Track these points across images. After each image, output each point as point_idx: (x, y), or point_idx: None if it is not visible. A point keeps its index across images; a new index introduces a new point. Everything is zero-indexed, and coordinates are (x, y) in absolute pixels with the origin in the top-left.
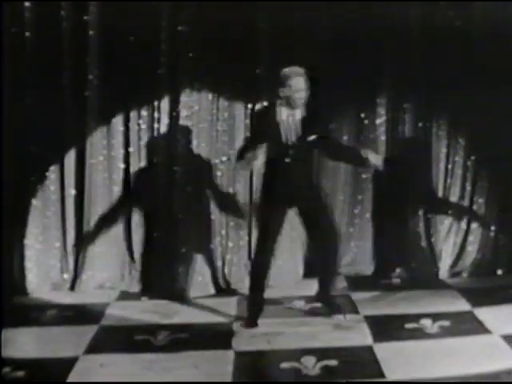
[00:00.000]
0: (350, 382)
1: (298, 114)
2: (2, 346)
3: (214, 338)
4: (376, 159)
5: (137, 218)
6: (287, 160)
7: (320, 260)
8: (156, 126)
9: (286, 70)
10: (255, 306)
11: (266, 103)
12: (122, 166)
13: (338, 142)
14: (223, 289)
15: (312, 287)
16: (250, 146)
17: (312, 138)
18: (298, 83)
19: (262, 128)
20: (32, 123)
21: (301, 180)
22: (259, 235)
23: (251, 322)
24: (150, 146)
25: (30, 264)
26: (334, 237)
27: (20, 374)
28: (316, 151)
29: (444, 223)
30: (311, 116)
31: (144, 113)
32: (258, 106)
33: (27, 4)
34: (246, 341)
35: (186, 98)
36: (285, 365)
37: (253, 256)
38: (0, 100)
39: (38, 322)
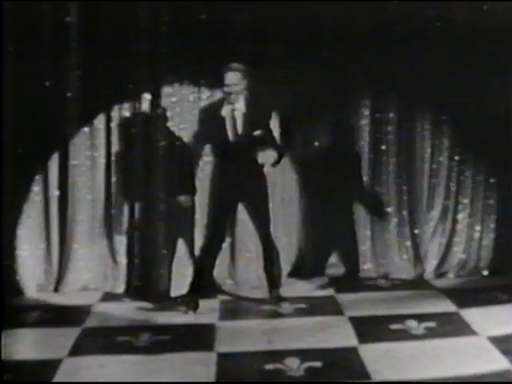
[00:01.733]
0: (335, 382)
1: (241, 109)
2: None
3: (196, 339)
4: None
5: (121, 219)
6: (233, 155)
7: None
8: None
9: (223, 67)
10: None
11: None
12: (103, 166)
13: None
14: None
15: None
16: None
17: (256, 133)
18: (229, 78)
19: (206, 123)
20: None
21: (246, 175)
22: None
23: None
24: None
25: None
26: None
27: (7, 376)
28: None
29: (429, 224)
30: (251, 111)
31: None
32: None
33: None
34: (229, 342)
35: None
36: (269, 366)
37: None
38: (0, 100)
39: (23, 323)
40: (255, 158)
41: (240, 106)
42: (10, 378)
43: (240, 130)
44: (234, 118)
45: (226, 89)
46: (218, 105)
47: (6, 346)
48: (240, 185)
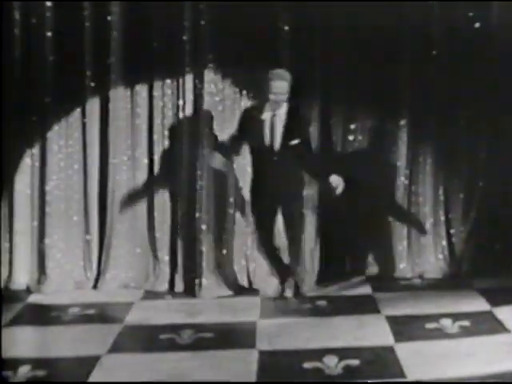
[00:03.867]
0: (372, 382)
1: (282, 116)
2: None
3: (238, 337)
4: (336, 183)
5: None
6: (271, 160)
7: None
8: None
9: (271, 72)
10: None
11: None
12: (146, 161)
13: (311, 152)
14: (246, 288)
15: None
16: (232, 143)
17: (294, 142)
18: (276, 86)
19: (246, 126)
20: None
21: (284, 180)
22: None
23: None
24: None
25: (52, 263)
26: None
27: (41, 373)
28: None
29: (466, 224)
30: (292, 120)
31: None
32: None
33: None
34: (269, 340)
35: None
36: (307, 365)
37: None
38: (0, 100)
39: (60, 320)
40: (290, 165)
41: (281, 112)
42: (45, 374)
43: (278, 136)
44: (273, 124)
45: (272, 96)
46: (260, 108)
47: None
48: (274, 188)
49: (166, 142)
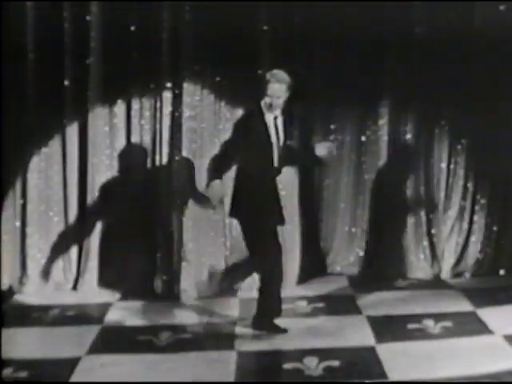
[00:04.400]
0: (352, 382)
1: (280, 117)
2: (2, 346)
3: (216, 338)
4: (320, 149)
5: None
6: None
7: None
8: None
9: (270, 73)
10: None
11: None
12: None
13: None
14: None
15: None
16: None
17: (289, 142)
18: (274, 89)
19: (251, 131)
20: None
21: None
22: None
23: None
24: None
25: (32, 263)
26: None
27: (22, 374)
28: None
29: (447, 223)
30: (288, 121)
31: (146, 112)
32: (242, 111)
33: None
34: (248, 341)
35: (189, 98)
36: (287, 365)
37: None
38: (0, 100)
39: (41, 321)
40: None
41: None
42: (26, 377)
43: (281, 138)
44: (276, 127)
45: (267, 99)
46: (260, 113)
47: (20, 345)
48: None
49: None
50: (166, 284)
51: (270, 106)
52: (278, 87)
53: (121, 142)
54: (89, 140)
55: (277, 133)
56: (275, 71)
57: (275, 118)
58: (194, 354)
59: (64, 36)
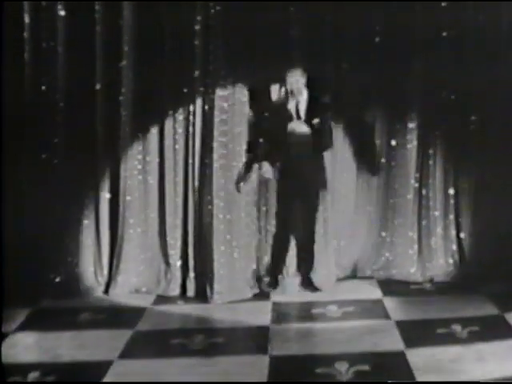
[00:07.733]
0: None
1: (302, 103)
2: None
3: (249, 342)
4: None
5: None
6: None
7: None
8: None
9: (288, 70)
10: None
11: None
12: (157, 169)
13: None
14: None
15: (345, 291)
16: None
17: (316, 121)
18: (293, 76)
19: (276, 118)
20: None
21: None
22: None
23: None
24: None
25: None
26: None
27: (50, 378)
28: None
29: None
30: (314, 104)
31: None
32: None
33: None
34: (281, 345)
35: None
36: (319, 370)
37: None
38: (0, 100)
39: (72, 325)
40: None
41: (302, 99)
42: (56, 379)
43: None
44: (298, 112)
45: (288, 86)
46: (284, 100)
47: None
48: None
49: None
50: (199, 286)
51: (292, 93)
52: (295, 78)
53: (153, 146)
54: None
55: (299, 117)
56: (293, 69)
57: (297, 104)
58: (227, 358)
59: (95, 39)
